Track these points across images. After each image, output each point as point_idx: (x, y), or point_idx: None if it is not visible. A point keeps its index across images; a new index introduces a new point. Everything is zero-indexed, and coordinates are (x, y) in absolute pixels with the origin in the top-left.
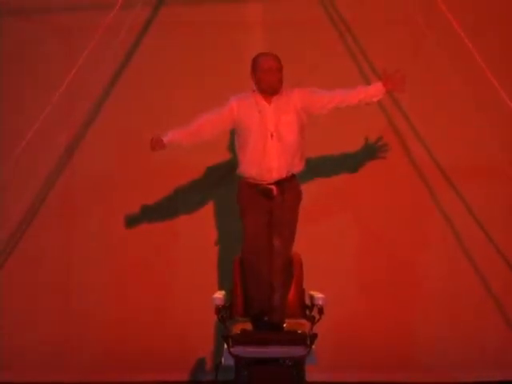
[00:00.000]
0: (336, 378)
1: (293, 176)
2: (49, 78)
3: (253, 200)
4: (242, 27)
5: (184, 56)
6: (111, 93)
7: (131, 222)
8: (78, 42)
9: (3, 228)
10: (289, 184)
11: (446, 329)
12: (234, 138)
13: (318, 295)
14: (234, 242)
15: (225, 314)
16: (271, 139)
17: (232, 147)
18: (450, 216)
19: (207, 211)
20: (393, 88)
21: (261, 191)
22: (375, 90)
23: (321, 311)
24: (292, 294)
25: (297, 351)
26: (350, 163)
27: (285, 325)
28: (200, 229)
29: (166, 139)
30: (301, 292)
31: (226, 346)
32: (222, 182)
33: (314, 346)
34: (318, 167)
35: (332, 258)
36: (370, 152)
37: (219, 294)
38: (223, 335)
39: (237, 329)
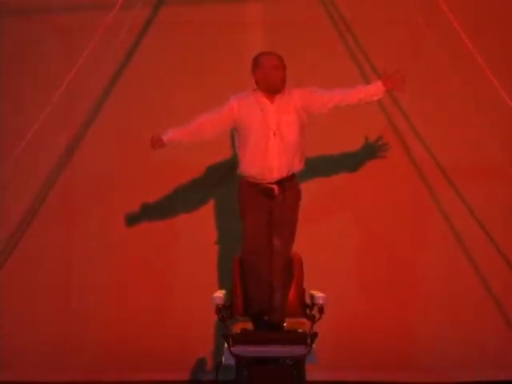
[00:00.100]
0: (336, 378)
1: (293, 175)
2: (49, 78)
3: (253, 199)
4: (242, 27)
5: (184, 56)
6: (111, 93)
7: (131, 221)
8: (78, 42)
9: (3, 228)
10: (289, 183)
11: (446, 328)
12: (234, 137)
13: (318, 294)
14: (234, 241)
15: (225, 313)
16: (273, 138)
17: (232, 147)
18: (449, 216)
19: (207, 211)
20: (393, 87)
21: (262, 190)
22: (375, 89)
23: (321, 310)
24: (292, 294)
25: (297, 350)
26: (349, 163)
27: (285, 324)
28: (200, 228)
29: (166, 138)
30: (301, 291)
31: (226, 345)
32: (222, 182)
33: (314, 346)
34: (317, 167)
35: (332, 258)
36: (370, 151)
37: (219, 294)
38: (223, 334)
39: (237, 328)
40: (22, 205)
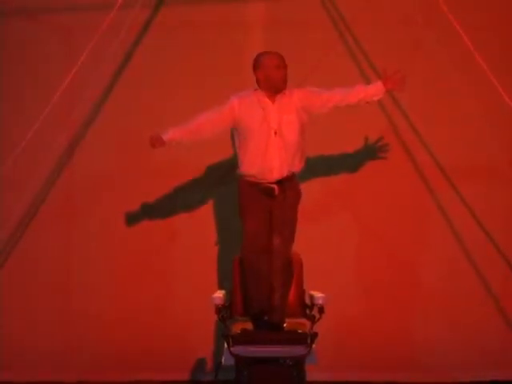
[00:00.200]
0: (336, 378)
1: (293, 175)
2: (49, 78)
3: (253, 199)
4: (242, 27)
5: (184, 56)
6: (111, 93)
7: (131, 221)
8: (78, 42)
9: (3, 228)
10: (289, 183)
11: (446, 329)
12: (233, 137)
13: (318, 294)
14: (234, 241)
15: (225, 313)
16: (274, 137)
17: (232, 146)
18: (449, 216)
19: (207, 211)
20: (392, 87)
21: (262, 190)
22: (375, 90)
23: (321, 310)
24: (292, 294)
25: (297, 351)
26: (349, 163)
27: (285, 324)
28: (200, 228)
29: (165, 137)
30: (301, 291)
31: (226, 345)
32: (222, 182)
33: (314, 346)
34: (318, 167)
35: (332, 259)
36: (370, 152)
37: (219, 294)
38: (223, 335)
39: (237, 328)
40: (22, 205)
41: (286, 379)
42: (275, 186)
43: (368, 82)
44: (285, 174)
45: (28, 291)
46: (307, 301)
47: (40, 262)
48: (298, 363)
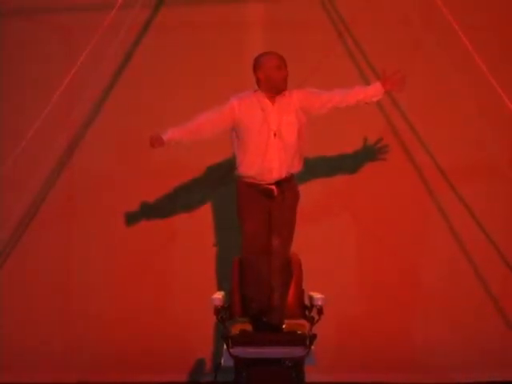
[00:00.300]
0: (336, 379)
1: (292, 176)
2: (49, 77)
3: (252, 200)
4: (242, 27)
5: (184, 56)
6: (111, 93)
7: (131, 221)
8: (78, 42)
9: (3, 228)
10: (288, 184)
11: (446, 329)
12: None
13: (317, 295)
14: (233, 242)
15: (224, 314)
16: (273, 138)
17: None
18: (449, 216)
19: (207, 211)
20: (392, 88)
21: (261, 191)
22: (374, 91)
23: (320, 312)
24: (291, 295)
25: (296, 352)
26: (349, 164)
27: (284, 325)
28: (200, 229)
29: (165, 137)
30: (300, 292)
31: (225, 346)
32: (222, 182)
33: (313, 347)
34: (317, 168)
35: (332, 259)
36: (370, 153)
37: (218, 295)
38: (223, 336)
39: (236, 329)
40: (22, 205)
41: (286, 380)
42: (273, 187)
43: (368, 82)
44: (283, 175)
45: (28, 291)
46: (306, 302)
47: (40, 262)
48: (297, 364)
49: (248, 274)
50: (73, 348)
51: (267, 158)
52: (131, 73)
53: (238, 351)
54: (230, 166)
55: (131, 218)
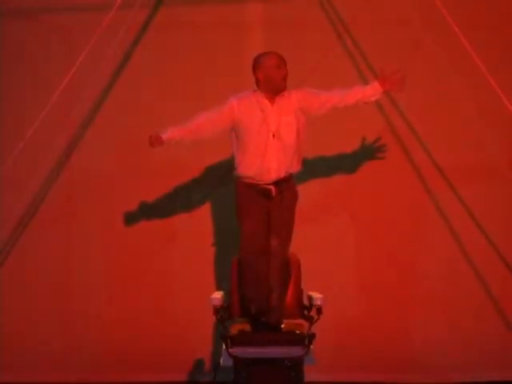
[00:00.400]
0: (335, 379)
1: (290, 176)
2: (48, 77)
3: (251, 200)
4: (242, 27)
5: (183, 56)
6: (111, 93)
7: (131, 221)
8: (77, 42)
9: (3, 228)
10: (286, 184)
11: (445, 329)
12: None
13: (316, 295)
14: (232, 242)
15: (223, 314)
16: (272, 139)
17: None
18: (449, 217)
19: (207, 211)
20: (390, 88)
21: (259, 191)
22: (373, 90)
23: (319, 311)
24: (290, 295)
25: (295, 351)
26: (348, 164)
27: (283, 325)
28: (199, 229)
29: (164, 136)
30: (299, 292)
31: (224, 346)
32: (222, 182)
33: (312, 347)
34: (316, 168)
35: (331, 259)
36: (369, 152)
37: (217, 295)
38: (222, 336)
39: (235, 329)
40: (22, 205)
41: (285, 380)
42: (272, 187)
43: (367, 83)
44: (282, 175)
45: (28, 291)
46: (305, 302)
47: (40, 262)
48: (297, 364)
49: (246, 274)
50: (73, 348)
51: (266, 159)
52: (130, 73)
53: (237, 351)
54: (229, 166)
55: (131, 218)
